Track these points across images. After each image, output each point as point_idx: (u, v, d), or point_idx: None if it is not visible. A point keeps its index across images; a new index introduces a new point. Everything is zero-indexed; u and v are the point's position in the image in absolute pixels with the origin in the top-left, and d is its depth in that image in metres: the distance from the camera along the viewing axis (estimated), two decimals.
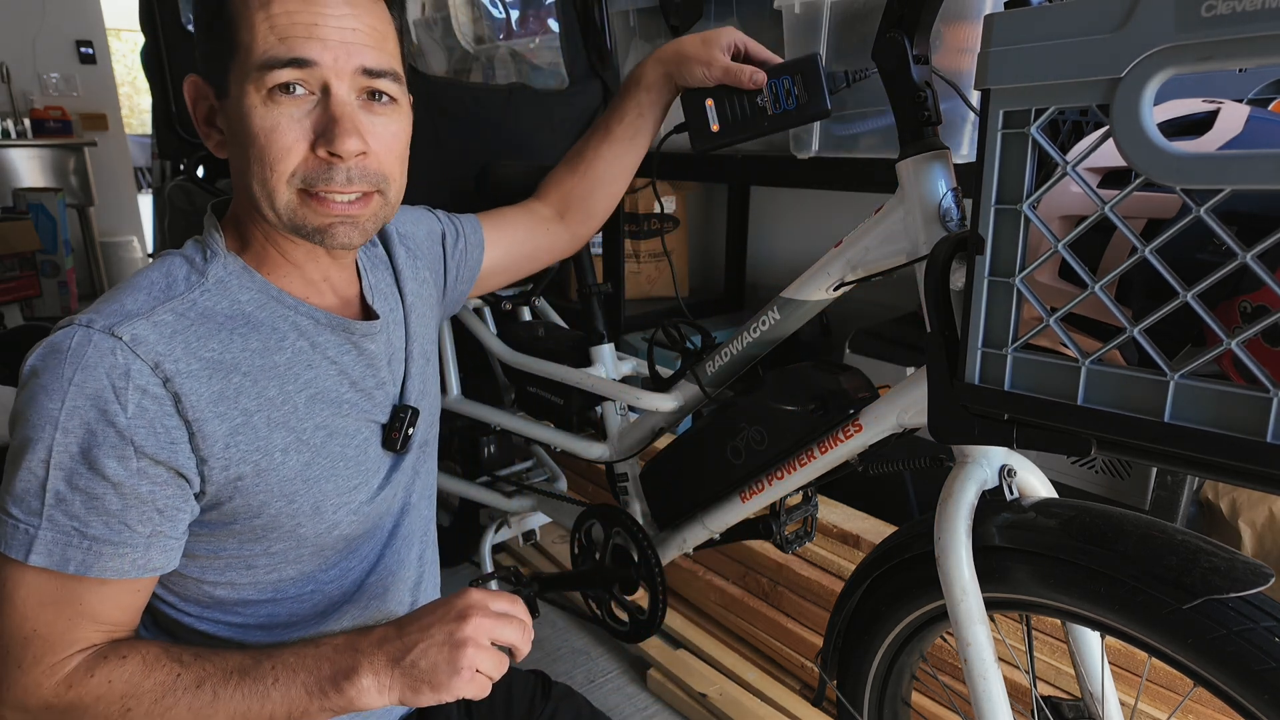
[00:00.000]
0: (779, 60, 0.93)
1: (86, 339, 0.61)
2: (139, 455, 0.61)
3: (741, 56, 0.94)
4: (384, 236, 0.87)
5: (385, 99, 0.67)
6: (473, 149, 1.55)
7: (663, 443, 1.27)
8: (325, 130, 0.64)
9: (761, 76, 0.90)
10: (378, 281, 0.82)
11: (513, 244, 1.04)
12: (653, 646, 1.59)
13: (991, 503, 0.80)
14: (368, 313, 0.79)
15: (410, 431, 0.78)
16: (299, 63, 0.62)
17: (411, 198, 0.84)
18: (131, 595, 0.65)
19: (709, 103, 0.94)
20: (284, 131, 0.63)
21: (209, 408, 0.64)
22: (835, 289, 0.93)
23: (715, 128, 0.94)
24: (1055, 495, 0.83)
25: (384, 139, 0.68)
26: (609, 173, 1.04)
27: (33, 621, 0.62)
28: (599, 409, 1.30)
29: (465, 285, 1.02)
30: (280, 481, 0.68)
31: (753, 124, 0.92)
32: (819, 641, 1.44)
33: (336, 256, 0.74)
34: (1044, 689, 1.20)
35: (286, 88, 0.63)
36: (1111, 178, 0.66)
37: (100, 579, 0.62)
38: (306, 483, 0.70)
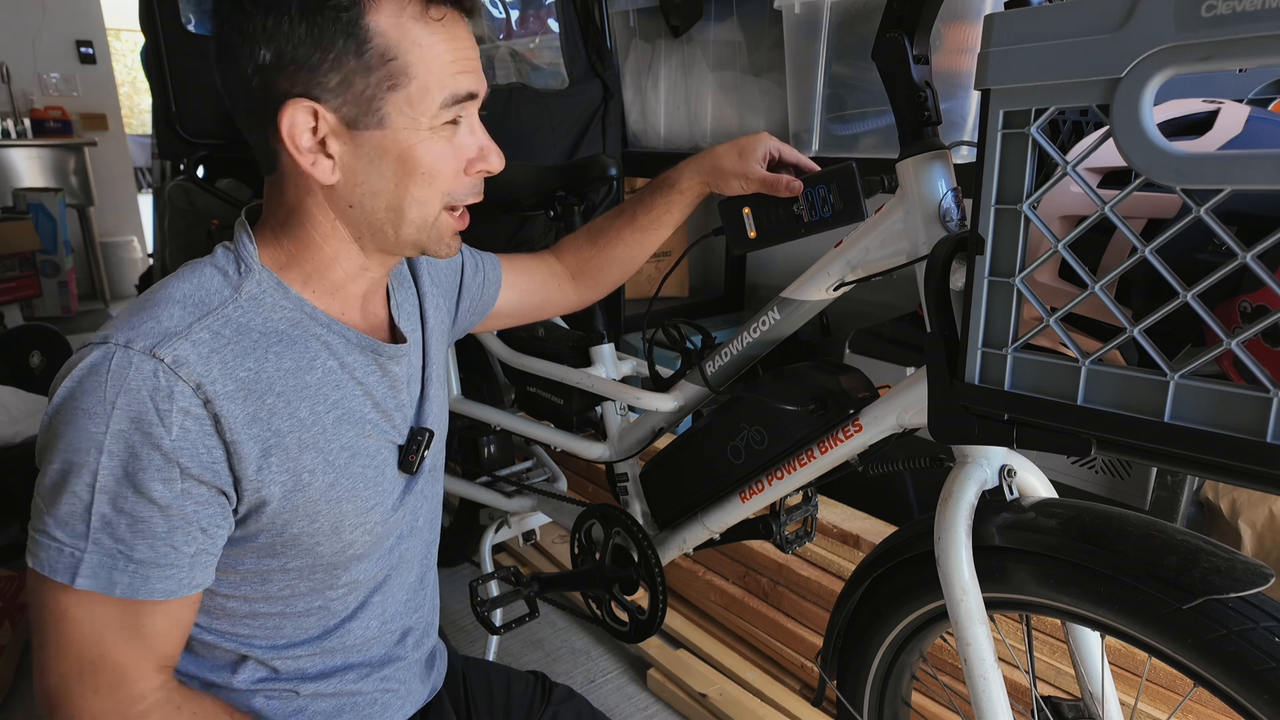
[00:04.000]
0: (811, 163, 0.96)
1: (127, 360, 0.60)
2: (184, 476, 0.61)
3: (775, 162, 0.97)
4: (411, 259, 0.88)
5: None
6: None
7: (663, 443, 1.27)
8: (480, 155, 0.70)
9: (798, 185, 0.92)
10: (403, 301, 0.83)
11: (525, 291, 1.07)
12: (653, 646, 1.60)
13: (991, 503, 0.80)
14: (394, 333, 0.80)
15: (425, 454, 0.79)
16: (474, 96, 0.68)
17: None
18: (179, 616, 0.66)
19: (746, 211, 0.97)
20: (449, 158, 0.68)
21: (244, 429, 0.64)
22: (835, 289, 0.93)
23: (753, 234, 0.97)
24: (1055, 495, 0.83)
25: None
26: (626, 254, 1.08)
27: (99, 645, 0.62)
28: (599, 409, 1.30)
29: (475, 318, 1.03)
30: (306, 502, 0.69)
31: (789, 231, 0.95)
32: (819, 641, 1.44)
33: (379, 277, 0.75)
34: (1044, 689, 1.20)
35: (455, 120, 0.68)
36: (1111, 178, 0.66)
37: (149, 600, 0.63)
38: (329, 503, 0.70)
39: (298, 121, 0.64)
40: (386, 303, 0.80)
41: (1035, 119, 0.56)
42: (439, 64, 0.64)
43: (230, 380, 0.63)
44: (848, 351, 1.68)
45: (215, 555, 0.66)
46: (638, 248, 1.07)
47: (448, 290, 0.94)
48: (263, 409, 0.65)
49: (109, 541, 0.60)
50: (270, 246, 0.70)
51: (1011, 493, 0.81)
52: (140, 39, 1.31)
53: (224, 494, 0.64)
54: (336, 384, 0.71)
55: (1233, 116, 0.63)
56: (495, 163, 0.71)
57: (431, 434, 0.80)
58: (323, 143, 0.65)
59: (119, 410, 0.59)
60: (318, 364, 0.70)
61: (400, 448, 0.77)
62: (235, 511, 0.66)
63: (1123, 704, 1.08)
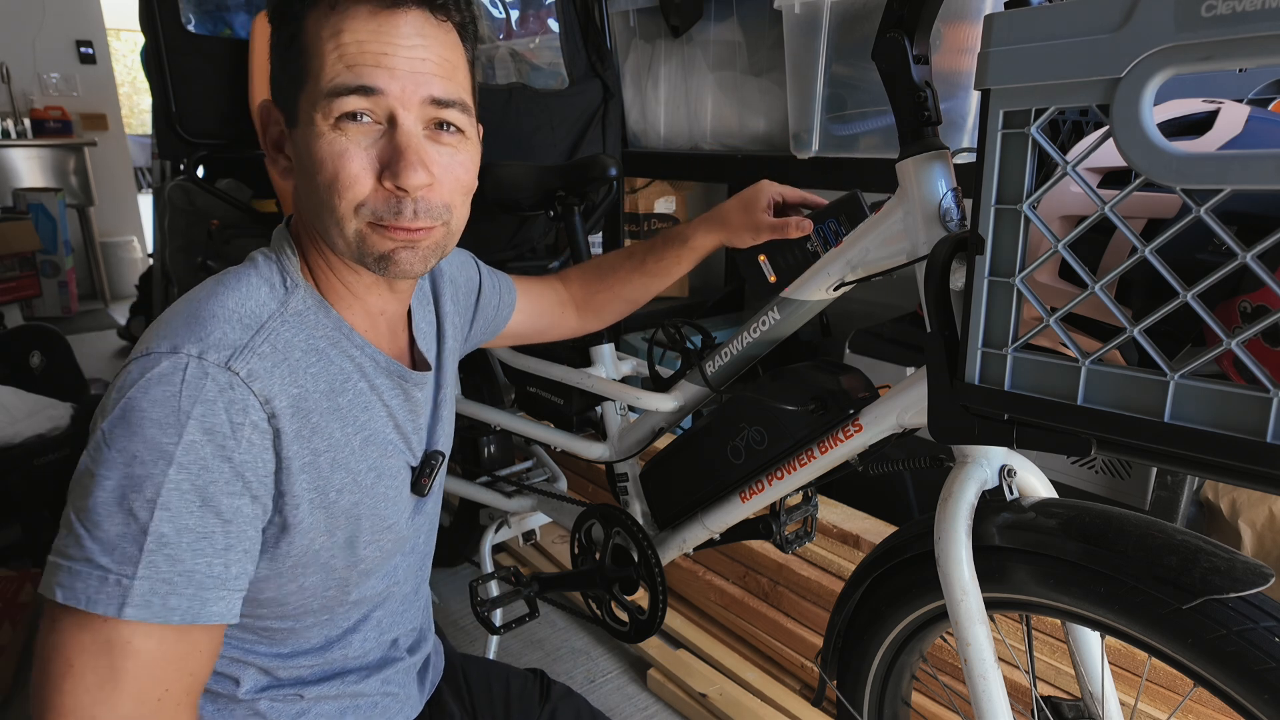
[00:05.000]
0: (816, 198, 0.98)
1: (202, 372, 0.59)
2: (244, 491, 0.60)
3: (780, 205, 0.98)
4: (434, 275, 0.88)
5: (452, 129, 0.66)
6: None
7: (663, 443, 1.27)
8: (391, 162, 0.63)
9: (807, 224, 0.94)
10: (420, 321, 0.82)
11: (532, 314, 1.09)
12: (653, 646, 1.60)
13: (991, 503, 0.80)
14: (414, 356, 0.79)
15: (436, 476, 0.79)
16: (366, 90, 0.61)
17: None
18: (217, 645, 0.62)
19: (761, 258, 0.99)
20: (350, 159, 0.62)
21: (292, 444, 0.64)
22: (835, 289, 0.93)
23: (773, 279, 1.00)
24: (1055, 495, 0.83)
25: (450, 169, 0.66)
26: (631, 294, 1.11)
27: (162, 681, 0.58)
28: (599, 409, 1.30)
29: (485, 337, 1.04)
30: (328, 519, 0.68)
31: (808, 268, 0.95)
32: (819, 641, 1.44)
33: (395, 290, 0.73)
34: (1044, 689, 1.20)
35: (353, 116, 0.62)
36: (1111, 178, 0.66)
37: (207, 625, 0.59)
38: (350, 520, 0.70)
39: (261, 119, 0.68)
40: (409, 326, 0.80)
41: (1035, 119, 0.56)
42: (334, 55, 0.61)
43: (285, 396, 0.63)
44: (848, 351, 1.68)
45: (247, 581, 0.63)
46: (642, 290, 1.10)
47: (464, 309, 0.95)
48: (306, 426, 0.65)
49: (165, 565, 0.56)
50: (302, 259, 0.70)
51: (1011, 493, 0.81)
52: (140, 39, 1.31)
53: (264, 511, 0.63)
54: (365, 405, 0.71)
55: (1233, 116, 0.63)
56: (406, 176, 0.62)
57: (443, 457, 0.80)
58: (280, 144, 0.68)
59: (194, 421, 0.57)
60: (350, 385, 0.69)
61: (414, 469, 0.77)
62: (265, 529, 0.65)
63: (1123, 704, 1.08)
